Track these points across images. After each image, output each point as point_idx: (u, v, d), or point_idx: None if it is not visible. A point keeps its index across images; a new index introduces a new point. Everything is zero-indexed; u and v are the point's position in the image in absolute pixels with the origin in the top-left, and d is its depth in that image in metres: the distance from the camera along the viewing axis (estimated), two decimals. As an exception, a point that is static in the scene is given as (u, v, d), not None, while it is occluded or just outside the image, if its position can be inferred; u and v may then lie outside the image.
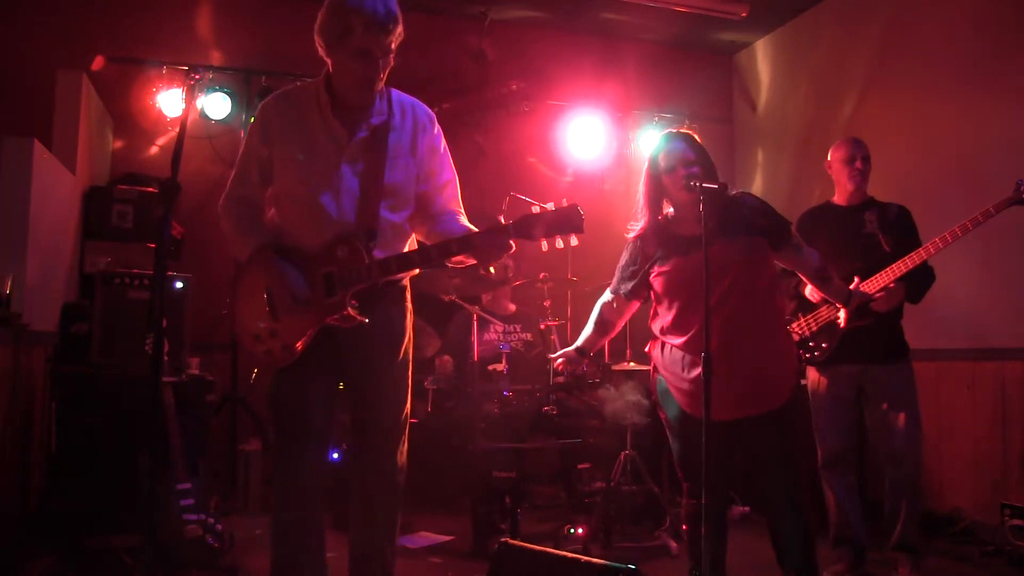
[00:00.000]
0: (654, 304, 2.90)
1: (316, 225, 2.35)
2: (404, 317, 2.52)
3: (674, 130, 2.92)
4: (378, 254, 2.34)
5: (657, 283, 2.80)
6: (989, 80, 4.57)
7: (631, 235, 2.88)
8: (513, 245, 2.28)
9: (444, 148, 2.53)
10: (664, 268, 2.77)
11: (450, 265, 2.45)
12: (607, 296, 3.00)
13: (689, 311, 2.70)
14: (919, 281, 3.39)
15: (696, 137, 2.84)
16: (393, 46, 2.29)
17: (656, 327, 2.88)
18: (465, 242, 2.31)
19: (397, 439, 2.49)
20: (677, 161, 2.73)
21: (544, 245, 2.31)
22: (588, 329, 3.05)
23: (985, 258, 4.34)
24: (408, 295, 2.56)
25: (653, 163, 2.82)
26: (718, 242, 2.60)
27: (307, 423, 2.43)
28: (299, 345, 2.35)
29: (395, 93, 2.47)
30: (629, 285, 2.88)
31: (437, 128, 2.51)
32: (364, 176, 2.35)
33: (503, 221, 2.30)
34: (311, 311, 2.33)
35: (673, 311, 2.76)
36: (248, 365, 5.08)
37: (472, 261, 2.37)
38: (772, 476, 2.71)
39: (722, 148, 6.75)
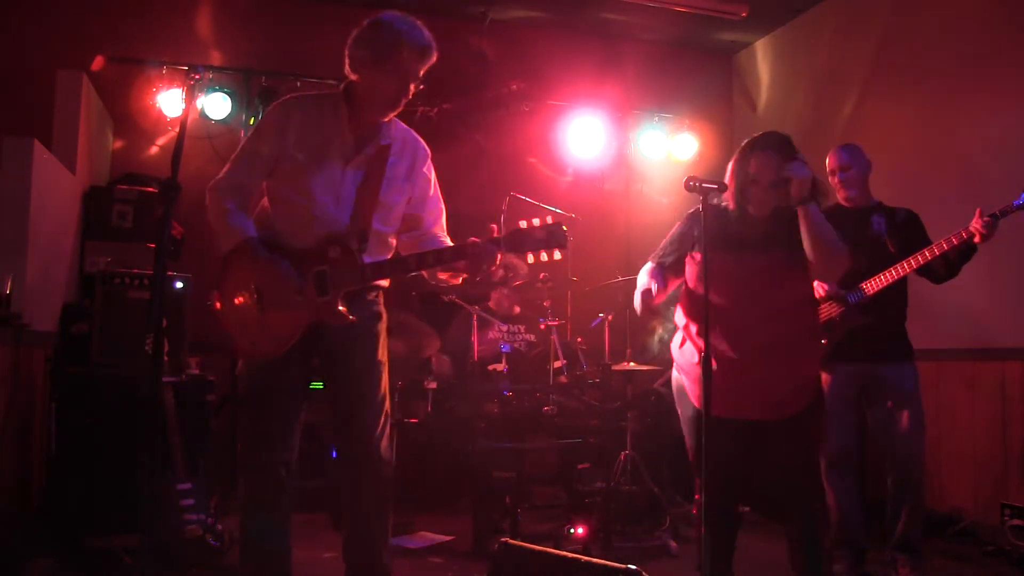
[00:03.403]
0: (685, 295, 2.83)
1: (310, 224, 2.45)
2: (381, 319, 2.62)
3: (774, 135, 2.78)
4: (366, 259, 2.47)
5: (695, 272, 2.75)
6: (989, 80, 4.57)
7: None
8: (499, 257, 2.44)
9: (435, 180, 2.72)
10: (721, 259, 2.69)
11: (438, 276, 2.59)
12: (650, 266, 2.88)
13: (728, 312, 2.67)
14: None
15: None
16: (422, 74, 2.52)
17: (683, 321, 2.83)
18: (459, 250, 2.46)
19: (383, 434, 2.54)
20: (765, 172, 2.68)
21: (530, 258, 2.45)
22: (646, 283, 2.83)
23: (985, 258, 4.34)
24: (382, 299, 2.67)
25: (742, 161, 2.73)
26: (773, 252, 2.66)
27: (280, 408, 2.49)
28: (289, 341, 2.42)
29: (400, 125, 2.64)
30: (671, 259, 2.81)
31: (430, 163, 2.71)
32: (362, 188, 2.49)
33: (495, 232, 2.44)
34: (301, 308, 2.41)
35: (719, 305, 2.70)
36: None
37: (458, 278, 2.57)
38: (793, 482, 2.69)
39: (722, 148, 6.76)
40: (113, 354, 3.96)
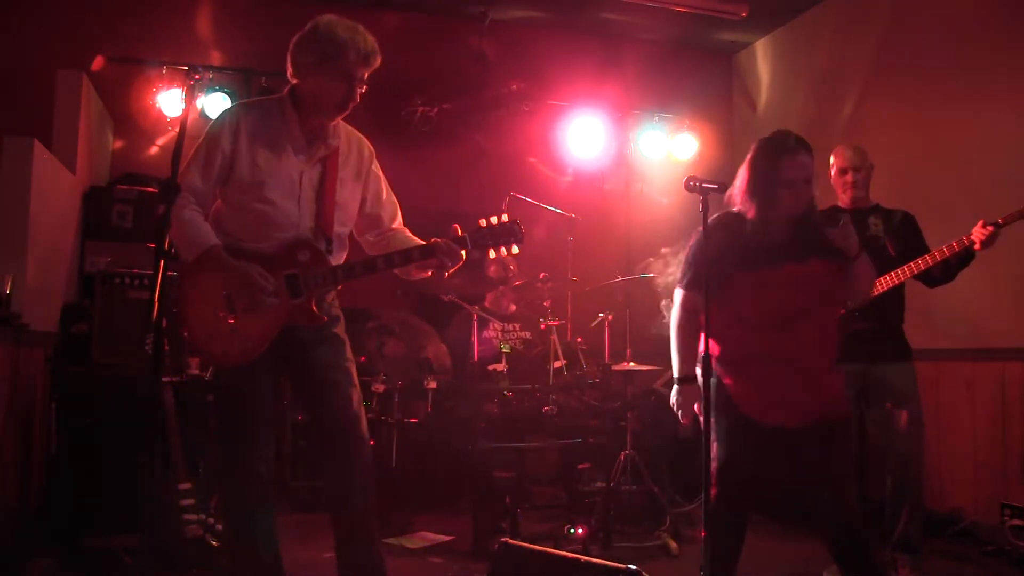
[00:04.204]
0: (714, 301, 2.72)
1: (274, 228, 2.48)
2: (340, 321, 2.67)
3: (792, 134, 2.71)
4: (331, 260, 2.54)
5: (738, 287, 2.67)
6: (989, 80, 4.57)
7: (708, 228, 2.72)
8: (464, 255, 2.56)
9: (383, 177, 2.78)
10: (751, 274, 2.65)
11: (413, 273, 2.66)
12: (681, 295, 2.80)
13: (774, 322, 2.62)
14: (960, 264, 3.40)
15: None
16: (366, 77, 2.54)
17: (719, 329, 2.71)
18: (427, 249, 2.56)
19: (366, 425, 2.62)
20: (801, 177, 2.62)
21: (492, 253, 2.60)
22: (683, 349, 2.78)
23: (985, 258, 4.35)
24: (338, 303, 2.71)
25: (769, 165, 2.64)
26: (801, 262, 2.62)
27: (255, 408, 2.52)
28: (262, 346, 2.45)
29: (344, 126, 2.68)
30: (714, 284, 2.68)
31: (376, 161, 2.76)
32: (319, 190, 2.54)
33: (459, 232, 2.57)
34: (274, 311, 2.44)
35: (753, 318, 2.66)
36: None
37: (424, 273, 2.66)
38: (824, 491, 2.63)
39: (722, 148, 6.76)
40: (113, 354, 3.96)
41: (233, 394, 2.53)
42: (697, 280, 2.72)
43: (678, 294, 2.81)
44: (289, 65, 2.55)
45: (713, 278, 2.64)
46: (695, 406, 2.72)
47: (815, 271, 2.65)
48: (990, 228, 3.21)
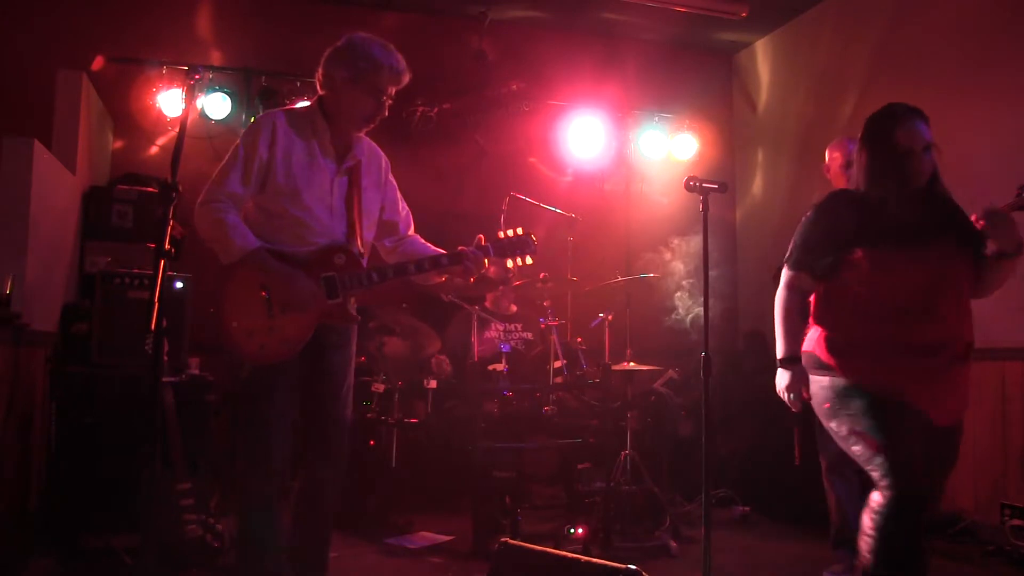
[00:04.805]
0: (830, 285, 2.57)
1: (309, 234, 2.56)
2: (355, 322, 2.75)
3: (901, 103, 2.56)
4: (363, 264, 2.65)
5: (866, 268, 2.47)
6: (989, 80, 4.57)
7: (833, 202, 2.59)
8: (487, 263, 2.72)
9: (396, 185, 2.91)
10: (883, 253, 2.47)
11: (432, 278, 2.76)
12: (789, 275, 2.64)
13: (913, 306, 2.43)
14: None
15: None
16: (393, 92, 2.67)
17: (837, 315, 2.56)
18: (455, 257, 2.69)
19: (348, 433, 2.73)
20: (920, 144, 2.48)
21: (509, 263, 2.77)
22: (791, 329, 2.62)
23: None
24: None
25: (882, 138, 2.51)
26: (938, 241, 2.48)
27: (281, 407, 2.55)
28: (301, 343, 2.53)
29: (364, 138, 2.79)
30: (827, 262, 2.54)
31: (390, 170, 2.89)
32: (347, 199, 2.66)
33: (483, 241, 2.73)
34: (312, 311, 2.52)
35: (888, 302, 2.46)
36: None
37: (441, 278, 2.79)
38: (936, 483, 2.50)
39: (722, 148, 6.77)
40: (113, 354, 3.96)
41: (264, 393, 2.54)
42: (807, 259, 2.58)
43: (785, 273, 2.66)
44: (320, 77, 2.63)
45: (829, 259, 2.51)
46: (804, 391, 2.54)
47: (953, 248, 2.48)
48: (982, 222, 3.20)
